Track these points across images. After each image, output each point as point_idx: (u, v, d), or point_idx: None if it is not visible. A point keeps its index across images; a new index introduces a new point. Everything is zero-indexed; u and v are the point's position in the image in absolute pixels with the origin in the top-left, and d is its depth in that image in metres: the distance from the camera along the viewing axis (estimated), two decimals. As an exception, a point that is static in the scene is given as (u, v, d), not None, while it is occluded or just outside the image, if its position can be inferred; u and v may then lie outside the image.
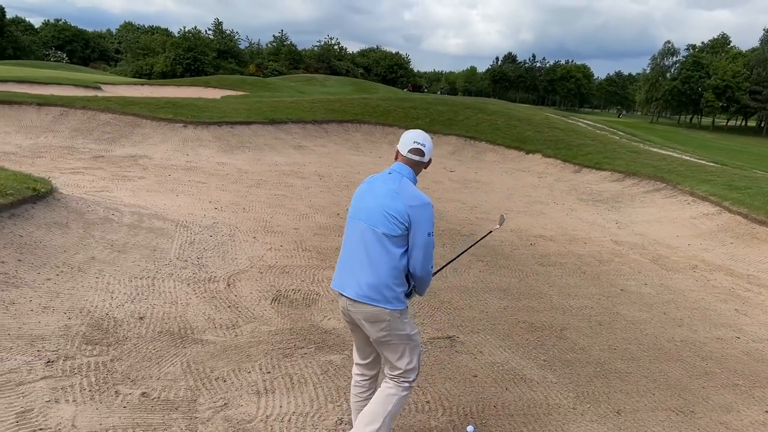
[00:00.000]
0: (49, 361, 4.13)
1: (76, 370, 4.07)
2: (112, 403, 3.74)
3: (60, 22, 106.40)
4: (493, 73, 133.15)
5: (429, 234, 3.21)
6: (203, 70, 69.32)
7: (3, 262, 5.55)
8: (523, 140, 19.24)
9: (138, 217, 7.97)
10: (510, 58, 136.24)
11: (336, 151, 17.33)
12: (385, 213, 3.17)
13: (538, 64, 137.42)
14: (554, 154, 17.78)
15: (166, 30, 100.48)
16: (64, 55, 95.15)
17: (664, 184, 13.71)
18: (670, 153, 18.46)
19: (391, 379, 3.37)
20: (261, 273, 6.75)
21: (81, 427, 3.42)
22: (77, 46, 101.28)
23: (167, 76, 66.81)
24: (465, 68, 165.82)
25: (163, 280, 6.10)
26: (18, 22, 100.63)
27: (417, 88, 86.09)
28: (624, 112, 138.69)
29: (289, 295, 6.17)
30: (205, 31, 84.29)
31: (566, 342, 5.73)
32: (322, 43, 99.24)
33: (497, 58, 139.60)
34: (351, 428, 3.62)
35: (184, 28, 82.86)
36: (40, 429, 3.34)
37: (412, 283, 3.32)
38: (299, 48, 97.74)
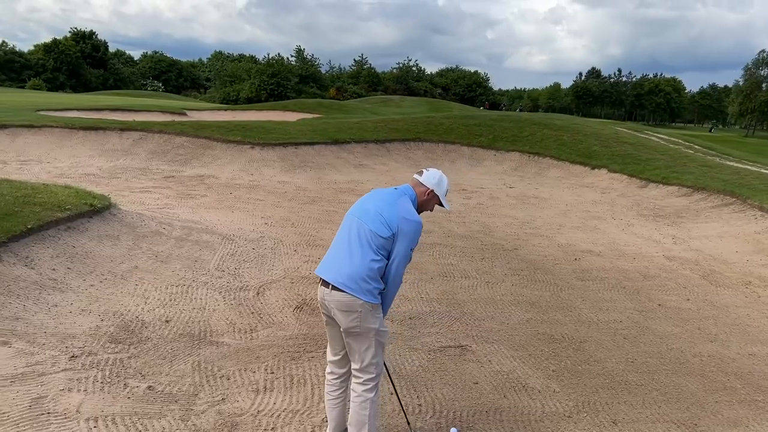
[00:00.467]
0: (72, 356, 4.56)
1: (94, 365, 4.48)
2: (119, 393, 4.10)
3: (157, 54, 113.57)
4: (576, 89, 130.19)
5: (411, 249, 3.44)
6: (286, 95, 71.86)
7: (54, 269, 6.13)
8: (589, 155, 18.83)
9: (187, 231, 8.51)
10: (594, 73, 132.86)
11: (396, 169, 17.62)
12: (379, 214, 3.40)
13: (624, 79, 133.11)
14: (620, 169, 17.29)
15: (253, 57, 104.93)
16: (160, 84, 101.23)
17: (734, 199, 13.05)
18: (747, 167, 17.51)
19: (356, 380, 3.51)
20: (292, 283, 7.06)
21: (84, 413, 3.78)
22: (171, 76, 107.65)
23: (252, 101, 69.69)
24: (549, 85, 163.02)
25: (197, 288, 6.52)
26: (119, 55, 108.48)
27: (495, 106, 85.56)
28: (719, 126, 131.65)
29: (313, 303, 6.42)
30: (288, 57, 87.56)
31: (582, 354, 5.66)
32: (401, 65, 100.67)
33: (580, 74, 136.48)
34: (326, 425, 3.77)
35: (268, 55, 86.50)
36: (48, 413, 3.73)
37: (385, 287, 3.47)
38: (379, 71, 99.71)
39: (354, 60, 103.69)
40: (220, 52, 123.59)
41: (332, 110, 39.19)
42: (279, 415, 4.10)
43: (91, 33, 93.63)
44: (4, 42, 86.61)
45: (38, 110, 25.19)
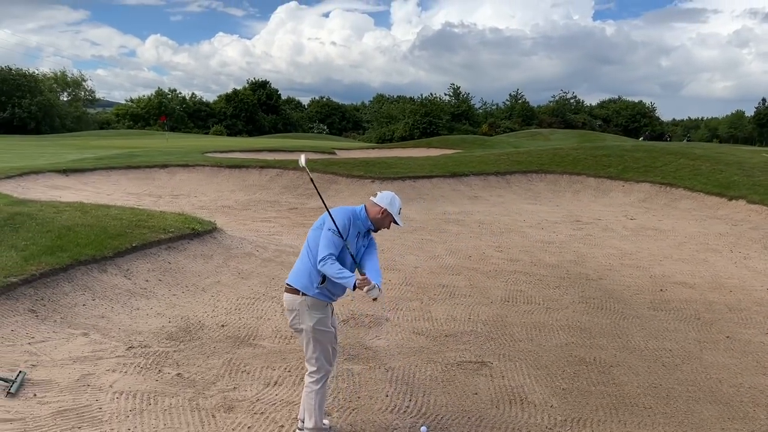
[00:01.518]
0: (130, 347, 5.53)
1: (143, 354, 5.40)
2: (150, 377, 4.95)
3: (323, 99, 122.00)
4: (758, 117, 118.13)
5: (329, 229, 3.93)
6: (437, 133, 73.53)
7: (147, 280, 7.32)
8: (727, 186, 17.42)
9: (277, 253, 9.49)
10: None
11: (512, 201, 17.65)
12: (320, 222, 4.07)
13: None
14: (761, 200, 15.82)
15: (411, 98, 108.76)
16: (325, 127, 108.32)
17: None
18: None
19: (306, 374, 4.06)
20: (352, 300, 7.64)
21: (115, 388, 4.66)
22: (335, 119, 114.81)
23: (405, 139, 72.22)
24: (730, 113, 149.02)
25: (264, 301, 7.36)
26: (290, 101, 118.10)
27: (658, 137, 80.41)
28: None
29: (360, 318, 6.97)
30: (441, 96, 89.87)
31: (604, 376, 5.60)
32: (557, 97, 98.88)
33: (764, 99, 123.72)
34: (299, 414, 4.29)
35: (422, 95, 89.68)
36: (88, 385, 4.65)
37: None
38: (540, 104, 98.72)
39: (509, 95, 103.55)
40: (382, 95, 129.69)
41: (474, 145, 39.64)
42: (274, 404, 4.69)
43: (265, 82, 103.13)
44: (193, 94, 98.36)
45: (205, 152, 28.46)
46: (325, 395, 4.07)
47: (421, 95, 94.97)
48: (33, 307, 5.92)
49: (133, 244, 7.74)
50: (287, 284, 3.98)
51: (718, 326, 7.27)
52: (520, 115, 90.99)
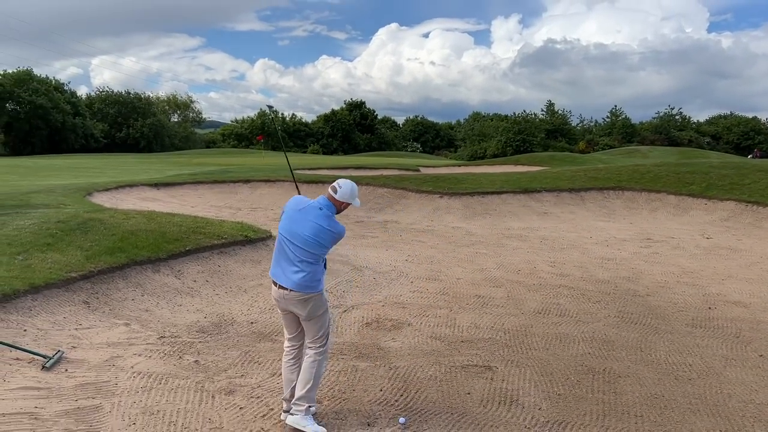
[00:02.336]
0: (161, 337, 6.15)
1: (170, 343, 6.00)
2: (169, 362, 5.52)
3: (417, 118, 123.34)
4: None
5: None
6: (531, 150, 72.46)
7: (195, 281, 8.01)
8: (822, 203, 16.24)
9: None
10: None
11: (583, 218, 17.31)
12: (314, 239, 4.47)
13: None
14: None
15: (506, 116, 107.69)
16: (418, 146, 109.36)
17: None
18: None
19: (310, 348, 4.55)
20: (382, 306, 7.99)
21: (135, 369, 5.25)
22: (429, 137, 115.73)
23: (498, 157, 71.62)
24: None
25: (298, 304, 7.83)
26: (385, 120, 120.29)
27: (770, 155, 74.92)
28: None
29: (383, 322, 7.28)
30: (536, 113, 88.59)
31: (608, 385, 5.59)
32: (661, 113, 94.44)
33: None
34: (283, 395, 4.68)
35: (515, 113, 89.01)
36: (113, 365, 5.27)
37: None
38: (640, 121, 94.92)
39: (609, 111, 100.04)
40: (478, 113, 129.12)
41: (563, 162, 38.81)
42: (273, 390, 5.11)
43: (362, 103, 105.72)
44: (293, 114, 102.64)
45: (294, 170, 29.73)
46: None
47: (514, 113, 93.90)
48: (87, 299, 6.71)
49: (187, 248, 8.48)
50: (294, 290, 4.45)
51: (755, 345, 6.98)
52: (620, 132, 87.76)
